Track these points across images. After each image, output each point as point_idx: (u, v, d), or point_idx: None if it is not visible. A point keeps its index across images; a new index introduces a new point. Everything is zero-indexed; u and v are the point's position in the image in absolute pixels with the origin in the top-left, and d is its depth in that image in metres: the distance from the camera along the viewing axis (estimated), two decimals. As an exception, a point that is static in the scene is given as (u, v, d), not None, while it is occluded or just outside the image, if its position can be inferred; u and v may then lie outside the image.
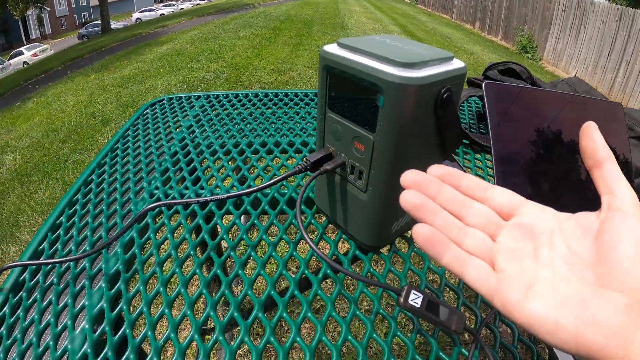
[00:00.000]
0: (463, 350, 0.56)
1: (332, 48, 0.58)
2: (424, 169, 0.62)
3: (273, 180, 0.64)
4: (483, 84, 0.76)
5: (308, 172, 0.65)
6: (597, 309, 0.31)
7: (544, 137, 0.78)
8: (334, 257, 0.70)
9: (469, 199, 0.41)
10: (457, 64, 0.56)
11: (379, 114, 0.52)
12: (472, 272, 0.37)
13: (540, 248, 0.37)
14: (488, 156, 1.06)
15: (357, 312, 0.61)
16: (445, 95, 0.53)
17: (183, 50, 9.97)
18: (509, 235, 0.38)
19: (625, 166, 0.86)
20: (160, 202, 0.67)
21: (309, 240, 0.56)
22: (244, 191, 0.66)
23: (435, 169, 0.42)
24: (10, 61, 22.84)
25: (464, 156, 1.05)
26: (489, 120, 0.75)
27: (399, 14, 16.58)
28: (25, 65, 20.97)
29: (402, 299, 0.49)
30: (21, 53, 23.75)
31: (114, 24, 25.69)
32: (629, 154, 0.90)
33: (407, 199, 0.39)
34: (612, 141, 0.87)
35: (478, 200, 0.41)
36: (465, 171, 0.87)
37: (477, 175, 0.96)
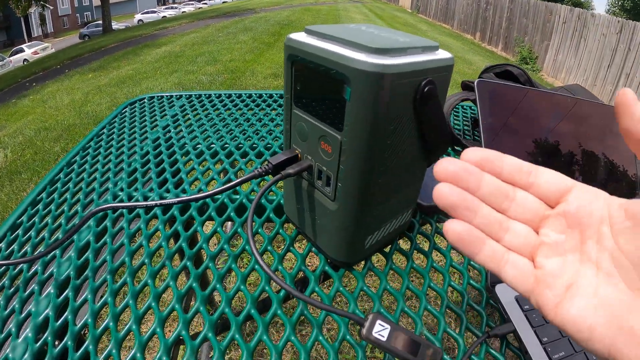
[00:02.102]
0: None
1: (298, 36, 0.50)
2: (403, 175, 0.55)
3: (226, 186, 0.57)
4: (475, 83, 0.69)
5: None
6: (637, 320, 0.27)
7: (543, 141, 0.71)
8: (300, 272, 0.63)
9: (511, 188, 0.35)
10: (442, 54, 0.49)
11: (346, 109, 0.45)
12: (509, 270, 0.33)
13: (587, 240, 0.31)
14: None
15: (320, 338, 0.54)
16: (426, 89, 0.45)
17: (181, 52, 9.89)
18: (554, 225, 0.33)
19: (628, 176, 0.80)
20: (106, 206, 0.60)
21: (260, 260, 0.48)
22: (194, 197, 0.58)
23: (472, 153, 0.34)
24: (11, 58, 22.79)
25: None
26: (480, 122, 0.67)
27: (400, 23, 16.52)
28: (25, 63, 20.93)
29: (364, 330, 0.41)
30: (22, 50, 23.67)
31: (115, 25, 25.63)
32: (634, 161, 0.83)
33: (443, 196, 0.33)
34: (616, 148, 0.80)
35: (521, 187, 0.35)
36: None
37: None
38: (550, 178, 0.34)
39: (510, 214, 0.35)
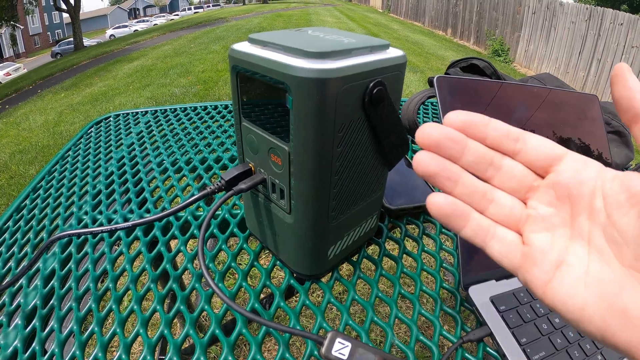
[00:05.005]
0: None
1: (242, 46, 0.48)
2: (361, 182, 0.54)
3: (177, 207, 0.54)
4: (434, 79, 0.67)
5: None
6: (631, 300, 0.26)
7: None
8: (265, 288, 0.61)
9: (498, 155, 0.33)
10: (393, 52, 0.47)
11: (290, 119, 0.43)
12: (495, 245, 0.32)
13: (577, 215, 0.30)
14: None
15: (287, 355, 0.52)
16: (375, 91, 0.43)
17: (153, 65, 9.81)
18: (542, 197, 0.31)
19: (604, 162, 0.79)
20: (64, 233, 0.57)
21: (212, 284, 0.46)
22: (151, 217, 0.55)
23: (455, 117, 0.33)
24: (-17, 81, 22.48)
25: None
26: (442, 120, 0.66)
27: (371, 23, 16.55)
28: (-3, 85, 20.68)
29: (323, 350, 0.40)
30: (-6, 72, 23.36)
31: (87, 41, 25.41)
32: (607, 148, 0.82)
33: (422, 165, 0.31)
34: (588, 135, 0.79)
35: (508, 154, 0.33)
36: (424, 180, 0.79)
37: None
38: (539, 145, 0.32)
39: (495, 183, 0.33)
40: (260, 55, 0.44)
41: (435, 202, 0.32)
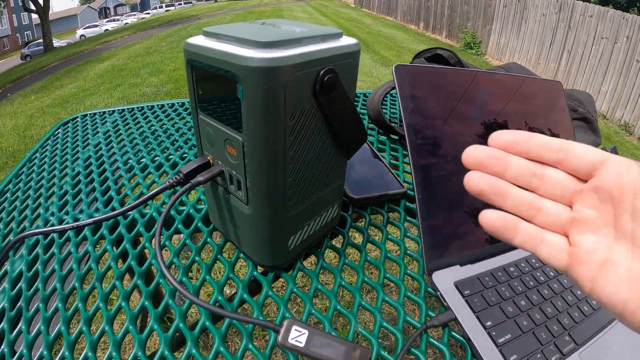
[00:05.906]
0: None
1: (196, 39, 0.48)
2: (316, 172, 0.54)
3: (137, 202, 0.54)
4: (393, 67, 0.68)
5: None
6: None
7: (469, 119, 0.70)
8: (228, 280, 0.61)
9: (540, 167, 0.35)
10: (346, 41, 0.48)
11: (242, 109, 0.43)
12: (544, 249, 0.34)
13: (621, 216, 0.31)
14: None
15: (250, 346, 0.52)
16: (326, 78, 0.44)
17: (124, 65, 9.66)
18: (586, 201, 0.33)
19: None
20: (27, 233, 0.57)
21: (169, 276, 0.46)
22: (104, 216, 0.55)
23: (498, 137, 0.35)
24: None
25: (392, 152, 0.98)
26: (401, 109, 0.66)
27: (344, 18, 16.53)
28: (-35, 91, 20.23)
29: (280, 337, 0.40)
30: (-40, 78, 22.85)
31: (57, 42, 24.99)
32: (573, 135, 0.83)
33: (472, 184, 0.35)
34: (553, 123, 0.80)
35: (551, 165, 0.35)
36: (388, 169, 0.80)
37: (405, 172, 0.88)
38: (581, 152, 0.33)
39: (540, 192, 0.35)
40: (212, 47, 0.44)
41: (487, 219, 0.35)
